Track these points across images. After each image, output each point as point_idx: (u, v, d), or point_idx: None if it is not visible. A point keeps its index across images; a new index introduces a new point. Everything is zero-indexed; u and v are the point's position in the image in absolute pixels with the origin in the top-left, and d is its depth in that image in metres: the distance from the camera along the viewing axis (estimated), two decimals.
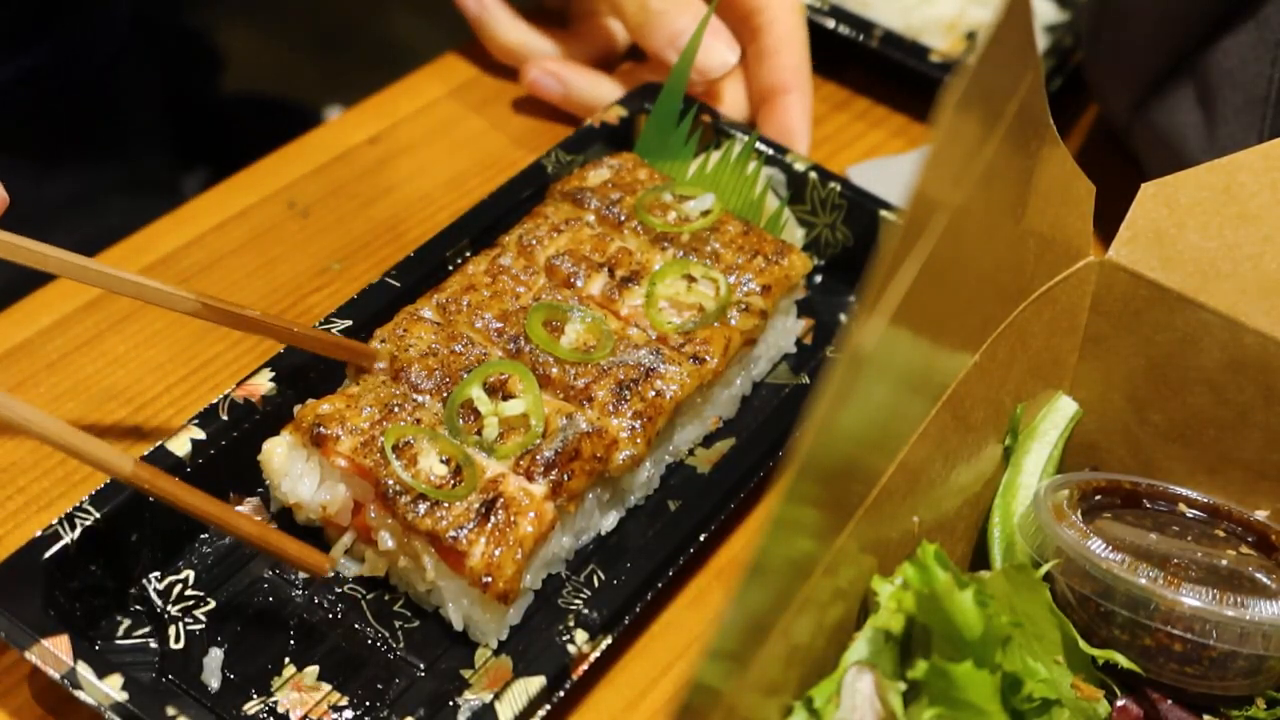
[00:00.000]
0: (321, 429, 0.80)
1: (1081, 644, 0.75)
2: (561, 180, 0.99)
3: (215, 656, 0.78)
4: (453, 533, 0.77)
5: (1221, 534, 0.82)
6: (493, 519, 0.78)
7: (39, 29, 1.30)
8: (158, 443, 0.82)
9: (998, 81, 0.65)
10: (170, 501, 0.75)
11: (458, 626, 0.80)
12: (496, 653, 0.80)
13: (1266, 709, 0.76)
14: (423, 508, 0.78)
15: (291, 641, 0.80)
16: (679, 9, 1.07)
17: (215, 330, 0.97)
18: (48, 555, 0.76)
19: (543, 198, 0.99)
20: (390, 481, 0.78)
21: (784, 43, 1.10)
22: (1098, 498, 0.82)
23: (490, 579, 0.77)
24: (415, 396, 0.83)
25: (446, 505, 0.78)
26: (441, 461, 0.80)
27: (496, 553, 0.77)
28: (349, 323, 0.88)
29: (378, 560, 0.82)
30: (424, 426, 0.81)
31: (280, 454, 0.82)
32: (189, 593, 0.81)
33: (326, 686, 0.78)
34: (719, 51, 1.07)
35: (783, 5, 1.09)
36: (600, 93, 1.13)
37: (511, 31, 1.16)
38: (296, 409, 0.83)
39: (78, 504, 0.78)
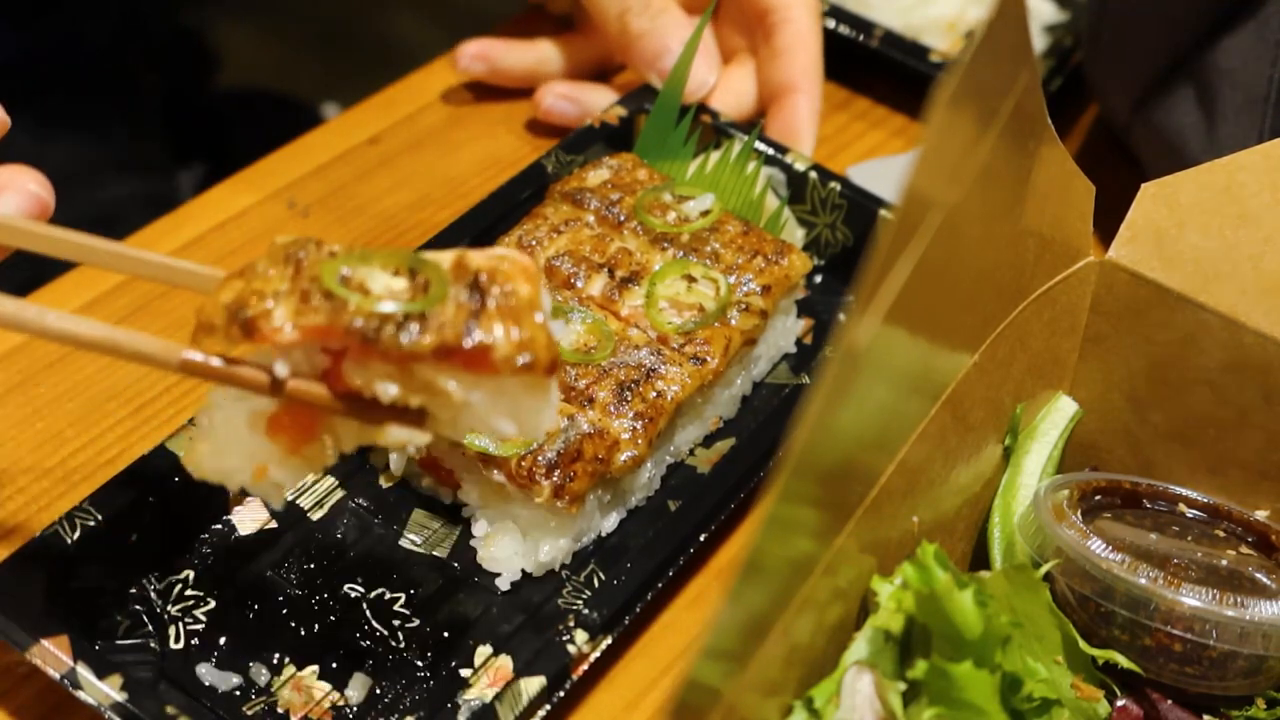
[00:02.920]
0: (245, 313, 0.65)
1: (1081, 644, 0.75)
2: (561, 181, 0.99)
3: (215, 657, 0.78)
4: (462, 334, 0.65)
5: (1221, 534, 0.82)
6: (489, 299, 0.66)
7: (24, 15, 1.30)
8: (158, 443, 0.82)
9: (992, 80, 0.65)
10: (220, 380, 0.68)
11: (508, 431, 0.69)
12: (496, 653, 0.80)
13: (1266, 709, 0.76)
14: (413, 328, 0.65)
15: (291, 641, 0.80)
16: (661, 30, 1.08)
17: None
18: (48, 555, 0.76)
19: (542, 198, 0.99)
20: (359, 321, 0.65)
21: (796, 43, 1.10)
22: (1098, 498, 0.82)
23: (529, 356, 0.66)
24: None
25: (432, 313, 0.66)
26: (393, 275, 0.67)
27: (516, 332, 0.66)
28: None
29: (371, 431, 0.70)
30: (345, 253, 0.68)
31: (205, 451, 0.70)
32: (189, 593, 0.81)
33: (326, 686, 0.78)
34: (698, 72, 1.07)
35: (798, 6, 1.10)
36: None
37: (520, 62, 1.17)
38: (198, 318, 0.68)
39: (78, 504, 0.78)
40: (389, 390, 0.66)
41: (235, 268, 0.68)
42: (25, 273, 0.96)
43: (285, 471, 0.70)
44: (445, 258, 0.68)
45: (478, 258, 0.68)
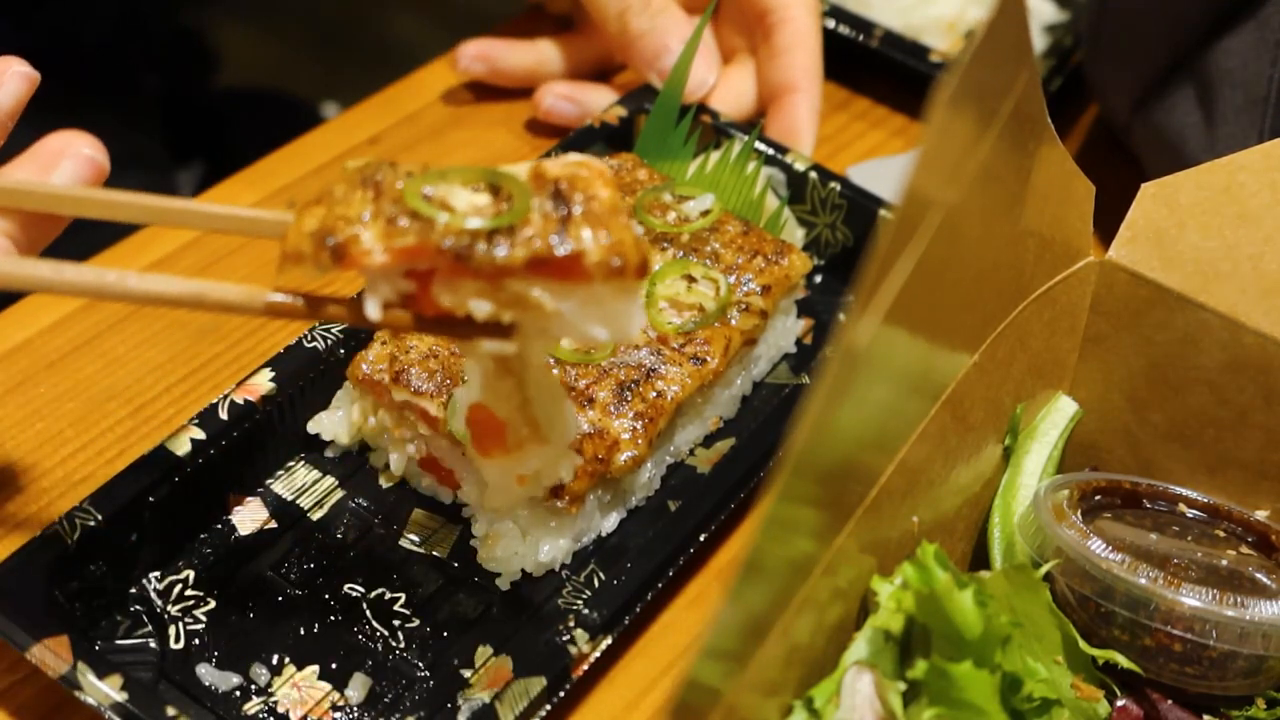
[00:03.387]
0: (334, 238, 0.65)
1: (1081, 644, 0.75)
2: None
3: (215, 657, 0.78)
4: (553, 242, 0.64)
5: (1221, 534, 0.82)
6: (574, 207, 0.66)
7: (20, 11, 1.31)
8: (158, 443, 0.82)
9: (992, 80, 0.65)
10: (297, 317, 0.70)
11: (600, 337, 0.68)
12: (496, 653, 0.80)
13: (1266, 709, 0.76)
14: (504, 242, 0.64)
15: (291, 641, 0.80)
16: (661, 30, 1.08)
17: (215, 330, 0.97)
18: (48, 555, 0.76)
19: None
20: (449, 240, 0.64)
21: (796, 42, 1.10)
22: (1098, 498, 0.82)
23: (620, 260, 0.65)
24: (416, 400, 0.83)
25: (520, 225, 0.65)
26: (474, 191, 0.67)
27: (605, 236, 0.65)
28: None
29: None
30: (423, 172, 0.68)
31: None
32: (189, 593, 0.81)
33: (326, 686, 0.78)
34: (698, 71, 1.07)
35: (797, 5, 1.10)
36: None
37: (520, 62, 1.17)
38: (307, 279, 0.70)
39: (78, 504, 0.78)
40: (482, 307, 0.66)
41: (311, 194, 0.67)
42: (76, 247, 0.96)
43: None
44: (521, 169, 0.67)
45: (554, 166, 0.67)
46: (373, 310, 0.66)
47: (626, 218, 0.67)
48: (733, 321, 0.92)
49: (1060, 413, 0.87)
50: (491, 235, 0.64)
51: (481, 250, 0.64)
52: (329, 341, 0.88)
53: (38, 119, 1.41)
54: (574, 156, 0.69)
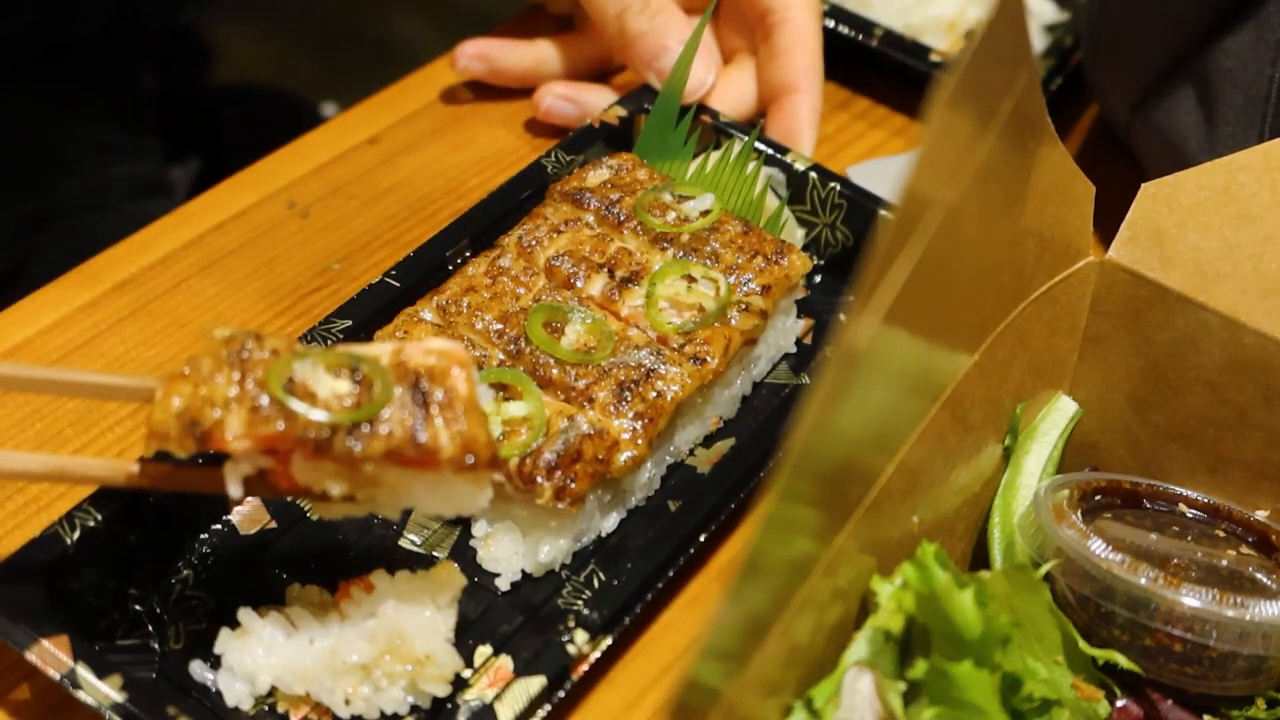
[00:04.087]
0: (200, 426, 0.68)
1: (1081, 644, 0.75)
2: (561, 180, 0.99)
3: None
4: (410, 438, 0.69)
5: (1221, 534, 0.82)
6: (432, 402, 0.70)
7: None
8: None
9: (991, 80, 0.65)
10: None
11: (445, 513, 0.74)
12: (496, 653, 0.80)
13: (1266, 709, 0.76)
14: (363, 433, 0.68)
15: None
16: (660, 30, 1.08)
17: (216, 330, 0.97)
18: (47, 556, 0.76)
19: (542, 198, 0.99)
20: (310, 432, 0.68)
21: (796, 43, 1.10)
22: (1098, 498, 0.82)
23: (473, 456, 0.70)
24: None
25: (378, 418, 0.69)
26: (336, 377, 0.70)
27: (458, 427, 0.70)
28: (349, 323, 0.88)
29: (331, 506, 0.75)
30: (284, 354, 0.70)
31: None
32: (189, 593, 0.81)
33: None
34: (698, 71, 1.07)
35: (797, 5, 1.10)
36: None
37: (519, 61, 1.17)
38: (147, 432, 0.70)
39: (78, 504, 0.78)
40: (337, 488, 0.71)
41: (174, 369, 0.70)
42: (75, 246, 0.96)
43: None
44: (384, 352, 0.71)
45: (416, 354, 0.71)
46: (234, 489, 0.71)
47: (481, 412, 0.71)
48: (733, 321, 0.92)
49: (1060, 413, 0.87)
50: (351, 427, 0.68)
51: (340, 441, 0.68)
52: (329, 341, 0.88)
53: (34, 112, 1.41)
54: (437, 344, 0.72)
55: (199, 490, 0.74)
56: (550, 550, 0.83)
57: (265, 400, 0.68)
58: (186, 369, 0.70)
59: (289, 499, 0.78)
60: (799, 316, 1.01)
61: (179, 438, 0.68)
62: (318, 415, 0.68)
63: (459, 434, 0.70)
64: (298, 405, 0.68)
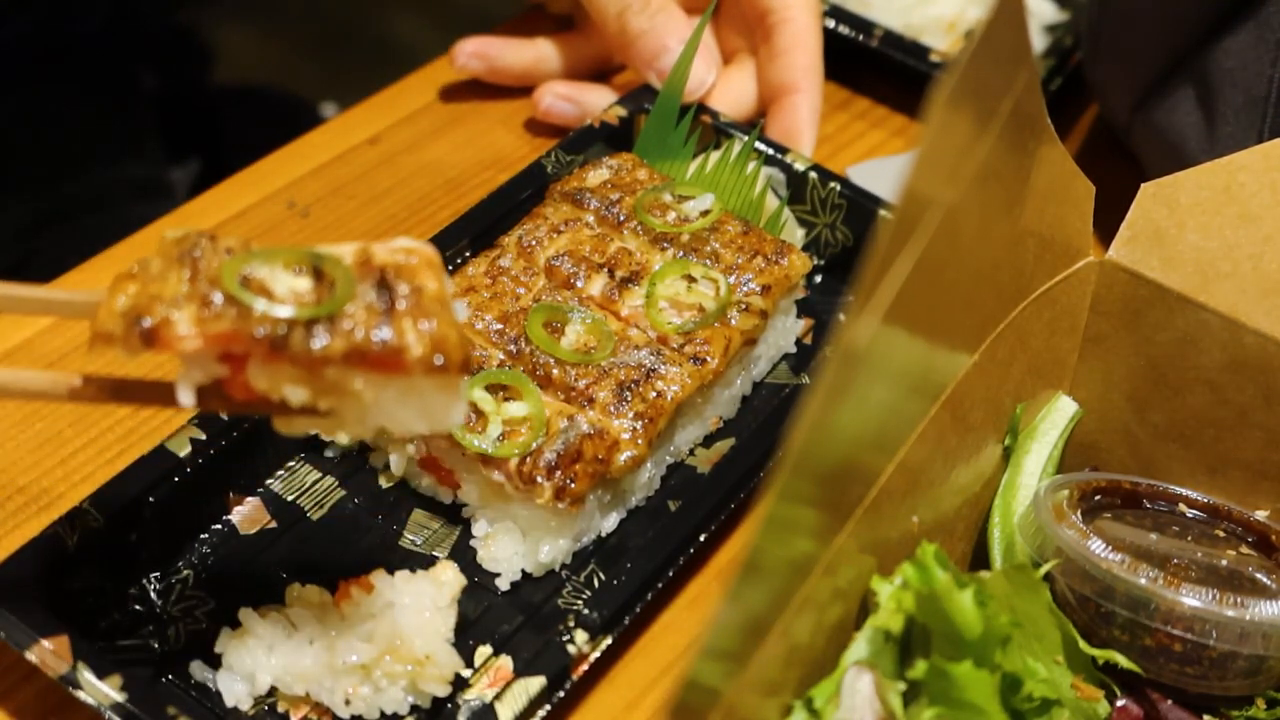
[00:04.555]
0: (145, 322, 0.62)
1: (1081, 644, 0.75)
2: (561, 180, 0.99)
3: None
4: (374, 335, 0.64)
5: (1221, 534, 0.82)
6: (398, 298, 0.65)
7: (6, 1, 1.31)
8: (158, 443, 0.82)
9: (990, 80, 0.65)
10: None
11: (418, 428, 0.68)
12: (496, 653, 0.80)
13: (1266, 709, 0.76)
14: (322, 332, 0.63)
15: None
16: (660, 30, 1.08)
17: None
18: (48, 555, 0.76)
19: (542, 198, 0.99)
20: (265, 327, 0.63)
21: (796, 43, 1.10)
22: (1098, 498, 0.82)
23: (442, 357, 0.65)
24: None
25: (340, 315, 0.64)
26: (296, 274, 0.65)
27: (426, 326, 0.65)
28: None
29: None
30: (244, 251, 0.65)
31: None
32: (189, 593, 0.81)
33: None
34: (698, 71, 1.07)
35: (797, 5, 1.10)
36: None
37: (518, 60, 1.17)
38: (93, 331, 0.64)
39: (78, 504, 0.78)
40: (298, 394, 0.65)
41: (125, 268, 0.65)
42: (75, 246, 0.95)
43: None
44: (347, 251, 0.66)
45: (381, 252, 0.66)
46: (185, 397, 0.65)
47: (451, 311, 0.65)
48: (733, 321, 0.92)
49: (1060, 413, 0.87)
50: (310, 324, 0.63)
51: (299, 339, 0.62)
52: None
53: (34, 112, 1.41)
54: (404, 242, 0.67)
55: (148, 404, 0.68)
56: (550, 550, 0.84)
57: (218, 297, 0.62)
58: (135, 268, 0.64)
59: (247, 414, 0.70)
60: (799, 316, 1.01)
61: (124, 337, 0.62)
62: (275, 310, 0.62)
63: (427, 333, 0.64)
64: (253, 300, 0.62)
